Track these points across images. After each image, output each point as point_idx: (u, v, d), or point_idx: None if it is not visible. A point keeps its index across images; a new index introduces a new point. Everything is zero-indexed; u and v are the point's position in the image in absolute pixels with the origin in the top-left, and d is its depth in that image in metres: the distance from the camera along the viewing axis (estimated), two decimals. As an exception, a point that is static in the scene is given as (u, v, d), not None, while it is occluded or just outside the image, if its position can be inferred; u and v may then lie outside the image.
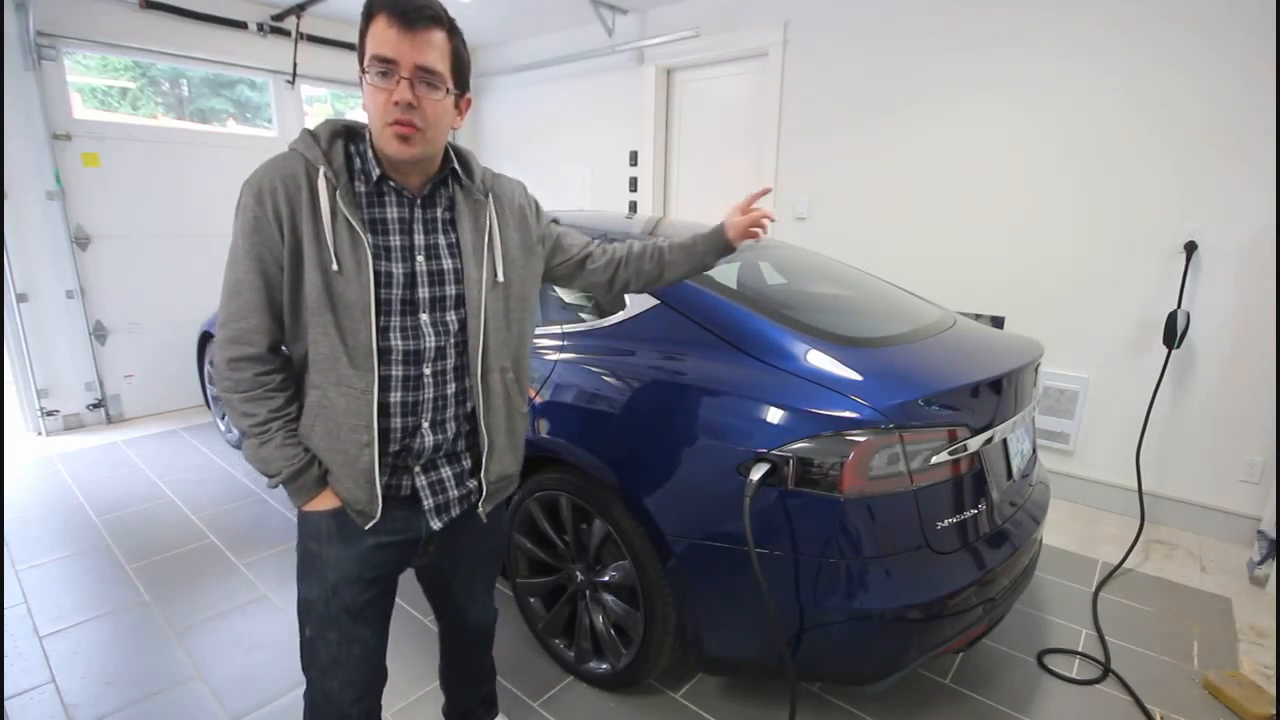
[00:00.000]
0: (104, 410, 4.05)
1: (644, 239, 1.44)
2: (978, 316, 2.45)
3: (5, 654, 1.97)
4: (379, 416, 1.09)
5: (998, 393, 1.66)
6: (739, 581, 1.49)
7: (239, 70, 4.34)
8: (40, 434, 3.83)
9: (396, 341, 1.09)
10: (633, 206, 4.60)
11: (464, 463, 1.22)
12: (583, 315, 1.94)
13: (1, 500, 2.93)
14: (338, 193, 1.04)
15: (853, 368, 1.54)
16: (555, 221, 1.39)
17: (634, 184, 4.56)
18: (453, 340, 1.14)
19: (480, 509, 1.25)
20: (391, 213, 1.10)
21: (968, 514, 1.56)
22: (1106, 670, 1.96)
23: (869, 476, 1.41)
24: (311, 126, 1.10)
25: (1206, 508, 2.81)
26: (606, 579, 1.78)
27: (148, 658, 1.97)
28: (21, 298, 3.64)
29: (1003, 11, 2.96)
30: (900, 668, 1.50)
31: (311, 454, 1.11)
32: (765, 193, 1.46)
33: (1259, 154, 2.50)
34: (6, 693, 1.81)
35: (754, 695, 1.85)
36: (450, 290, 1.13)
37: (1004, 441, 1.70)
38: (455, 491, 1.21)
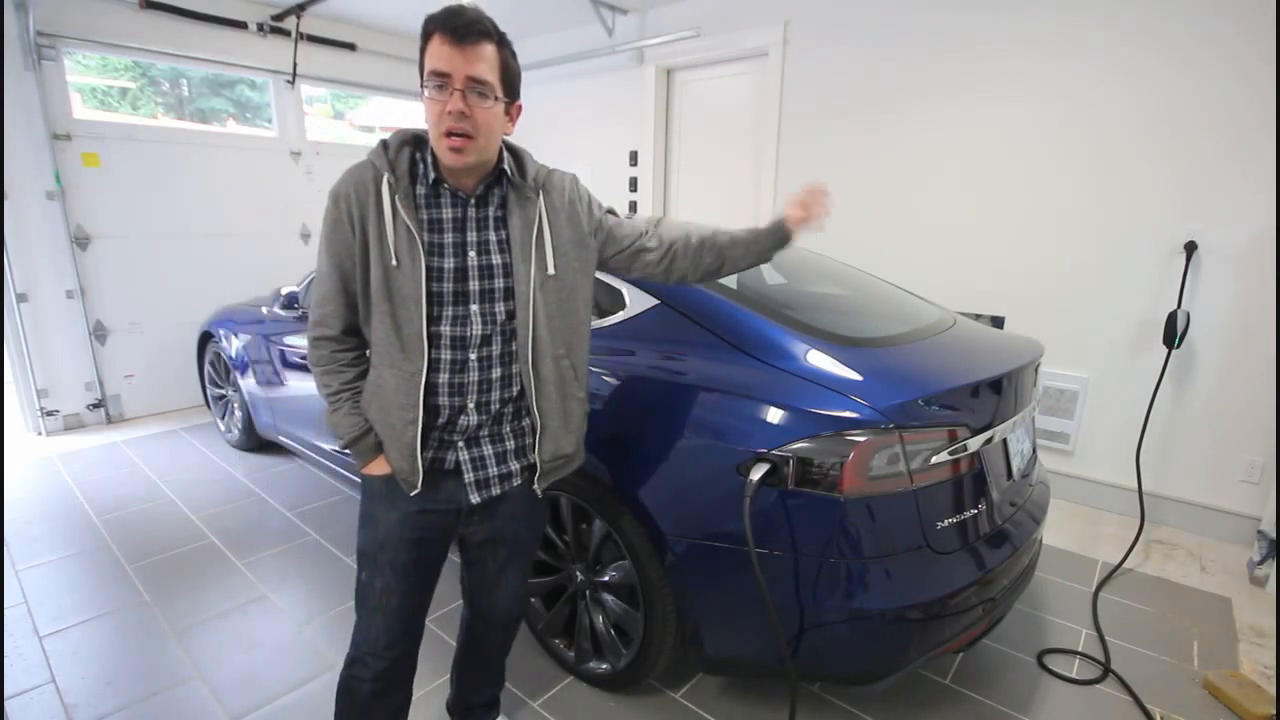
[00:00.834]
0: (104, 410, 4.05)
1: (701, 229, 1.44)
2: (978, 316, 2.45)
3: (5, 654, 1.97)
4: (427, 395, 1.20)
5: (998, 393, 1.66)
6: (739, 581, 1.49)
7: (239, 70, 4.34)
8: (40, 434, 3.83)
9: (446, 328, 1.20)
10: (633, 206, 4.60)
11: (507, 443, 1.31)
12: (583, 315, 1.94)
13: (1, 500, 2.93)
14: (397, 196, 1.16)
15: (853, 368, 1.54)
16: (611, 211, 1.43)
17: (634, 184, 4.56)
18: (499, 329, 1.23)
19: (536, 486, 1.34)
20: (446, 212, 1.20)
21: (968, 514, 1.56)
22: (1106, 670, 1.97)
23: (869, 476, 1.41)
24: (386, 137, 1.22)
25: (1206, 508, 2.81)
26: (606, 579, 1.78)
27: (148, 658, 1.97)
28: (21, 298, 3.65)
29: (1003, 12, 2.97)
30: (900, 668, 1.50)
31: (370, 424, 1.25)
32: (821, 190, 1.44)
33: (1259, 154, 2.50)
34: (6, 693, 1.81)
35: (754, 695, 1.85)
36: (499, 284, 1.22)
37: (1004, 441, 1.70)
38: (495, 470, 1.30)
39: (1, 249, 3.51)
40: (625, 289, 1.84)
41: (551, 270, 1.25)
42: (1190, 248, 2.66)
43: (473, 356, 1.22)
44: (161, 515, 2.87)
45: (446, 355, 1.21)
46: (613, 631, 1.80)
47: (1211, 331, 2.69)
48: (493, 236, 1.22)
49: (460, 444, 1.26)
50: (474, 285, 1.20)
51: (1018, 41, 2.95)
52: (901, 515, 1.45)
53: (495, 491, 1.31)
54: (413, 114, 5.02)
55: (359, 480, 1.34)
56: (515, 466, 1.32)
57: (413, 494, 1.25)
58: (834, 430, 1.41)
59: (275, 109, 4.56)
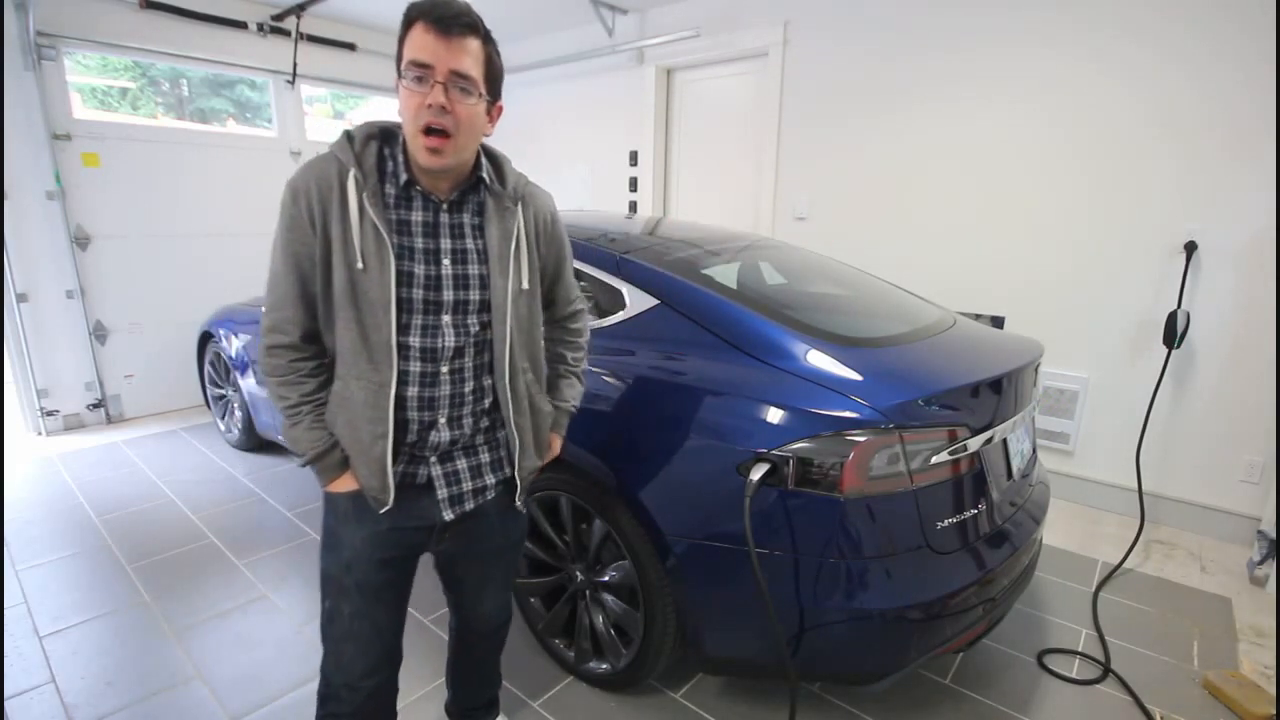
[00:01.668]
0: (104, 410, 4.05)
1: (568, 366, 1.42)
2: (978, 316, 2.45)
3: (5, 654, 1.97)
4: (396, 409, 1.14)
5: (998, 393, 1.66)
6: (739, 581, 1.49)
7: (239, 70, 4.34)
8: (40, 434, 3.83)
9: (415, 339, 1.13)
10: (633, 206, 4.60)
11: (481, 456, 1.26)
12: (583, 315, 1.94)
13: (1, 500, 2.93)
14: (365, 194, 1.08)
15: (853, 368, 1.54)
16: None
17: (634, 184, 4.56)
18: (472, 341, 1.18)
19: (518, 501, 1.32)
20: (417, 215, 1.13)
21: (968, 514, 1.56)
22: (1106, 670, 1.96)
23: (869, 476, 1.41)
24: (351, 128, 1.14)
25: (1206, 508, 2.81)
26: (606, 579, 1.78)
27: (148, 658, 1.97)
28: (21, 298, 3.64)
29: (1003, 11, 2.96)
30: (900, 668, 1.50)
31: (335, 439, 1.17)
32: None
33: (1259, 154, 2.50)
34: (6, 693, 1.81)
35: (754, 695, 1.85)
36: (475, 295, 1.17)
37: (1004, 441, 1.70)
38: (470, 484, 1.25)
39: (1, 249, 3.51)
40: (625, 289, 1.84)
41: (525, 285, 1.21)
42: (1190, 248, 2.66)
43: (444, 369, 1.16)
44: (161, 515, 2.87)
45: (416, 367, 1.14)
46: (613, 631, 1.80)
47: (1211, 331, 2.69)
48: (470, 245, 1.16)
49: (432, 459, 1.20)
50: (448, 295, 1.14)
51: (1019, 42, 2.95)
52: (901, 515, 1.45)
53: (469, 506, 1.25)
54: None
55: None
56: (490, 480, 1.27)
57: (383, 511, 1.18)
58: (834, 430, 1.41)
59: (275, 109, 4.56)
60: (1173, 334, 2.67)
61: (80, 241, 3.80)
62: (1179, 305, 2.69)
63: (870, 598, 1.43)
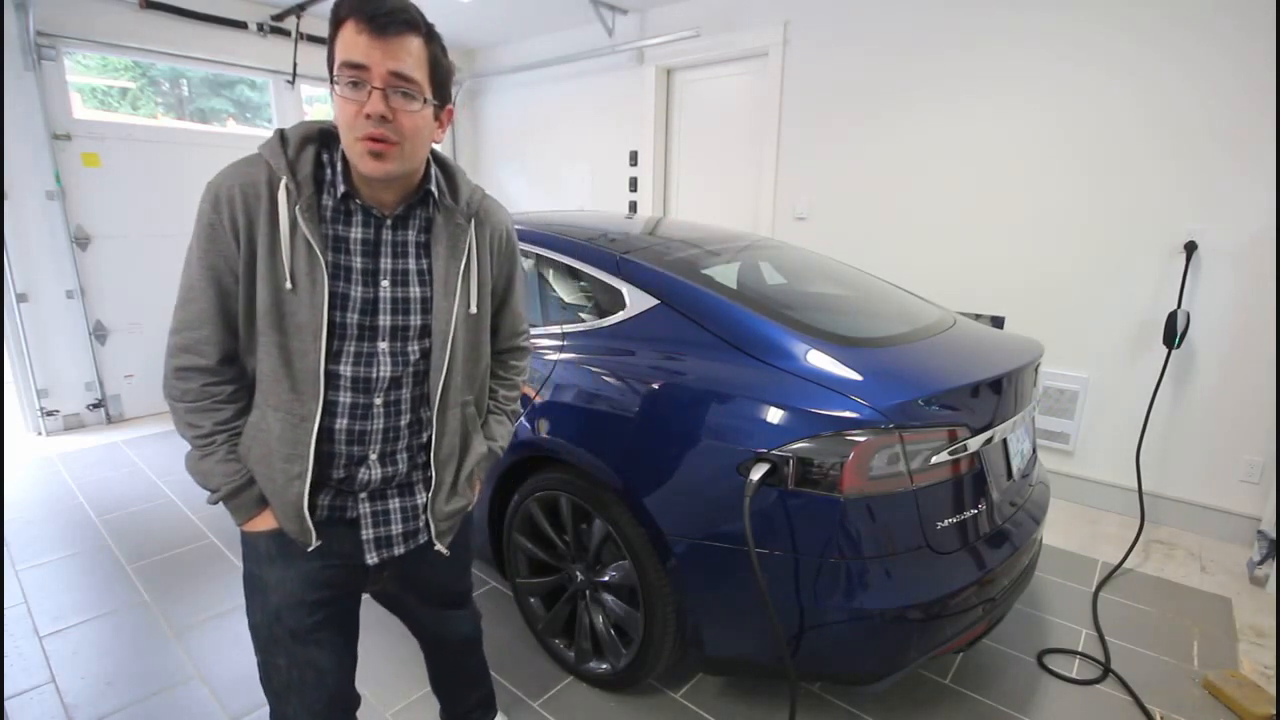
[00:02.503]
0: (104, 410, 4.05)
1: (502, 406, 1.32)
2: (978, 316, 2.45)
3: (5, 654, 1.97)
4: (322, 442, 1.03)
5: (998, 393, 1.66)
6: (739, 581, 1.49)
7: (239, 70, 4.34)
8: (40, 434, 3.83)
9: (347, 368, 1.03)
10: (633, 206, 4.60)
11: (418, 496, 1.14)
12: (582, 315, 1.94)
13: (1, 500, 2.93)
14: (298, 206, 0.96)
15: (853, 368, 1.54)
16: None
17: (634, 184, 4.56)
18: (411, 370, 1.07)
19: (438, 545, 1.17)
20: (356, 232, 1.02)
21: (968, 514, 1.56)
22: (1106, 670, 1.96)
23: (869, 476, 1.41)
24: (285, 128, 1.03)
25: (1206, 508, 2.81)
26: (606, 579, 1.78)
27: (148, 658, 1.97)
28: (21, 298, 3.64)
29: (1003, 12, 2.96)
30: (900, 668, 1.50)
31: (250, 473, 1.05)
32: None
33: (1259, 154, 2.50)
34: (6, 693, 1.81)
35: (754, 695, 1.85)
36: (415, 320, 1.06)
37: (1004, 441, 1.70)
38: (400, 527, 1.13)
39: (1, 249, 3.51)
40: (625, 289, 1.84)
41: (473, 309, 1.10)
42: (1190, 248, 2.66)
43: (378, 401, 1.05)
44: (161, 515, 2.87)
45: (346, 399, 1.03)
46: (613, 631, 1.80)
47: (1211, 331, 2.69)
48: (413, 265, 1.05)
49: (362, 495, 1.09)
50: (384, 320, 1.03)
51: (1019, 42, 2.95)
52: (901, 515, 1.45)
53: (398, 551, 1.13)
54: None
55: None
56: (424, 521, 1.15)
57: (310, 549, 1.06)
58: (834, 430, 1.41)
59: (275, 109, 4.56)
60: (1173, 334, 2.67)
61: (80, 241, 3.80)
62: (1179, 305, 2.69)
63: (870, 598, 1.43)
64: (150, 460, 3.49)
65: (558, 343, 1.91)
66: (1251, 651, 2.08)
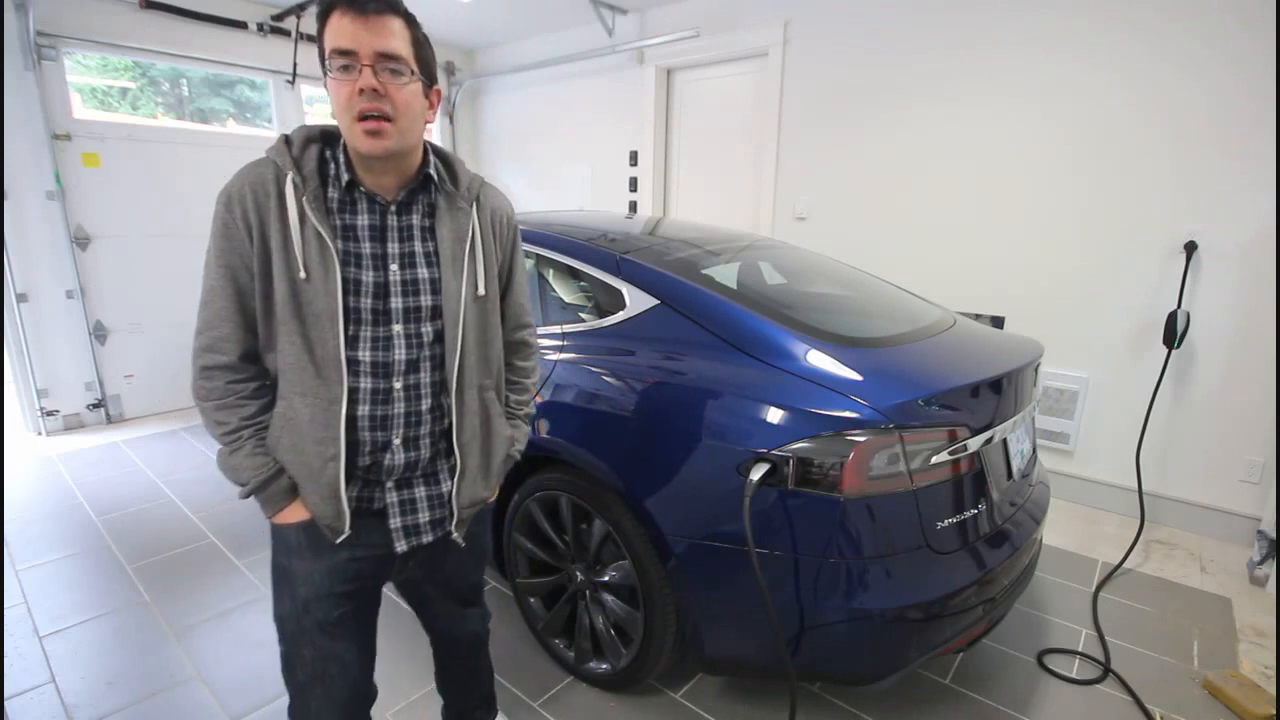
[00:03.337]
0: (104, 410, 4.05)
1: (515, 385, 1.34)
2: (978, 316, 2.45)
3: (5, 654, 1.97)
4: (347, 430, 1.06)
5: (998, 393, 1.66)
6: (739, 581, 1.49)
7: (239, 70, 4.34)
8: (40, 434, 3.83)
9: (365, 353, 1.06)
10: (633, 206, 4.60)
11: (443, 484, 1.17)
12: (583, 315, 1.94)
13: (1, 500, 2.93)
14: (305, 198, 1.01)
15: (853, 368, 1.54)
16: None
17: (634, 184, 4.56)
18: (427, 353, 1.10)
19: (454, 534, 1.20)
20: (362, 219, 1.06)
21: (968, 514, 1.56)
22: (1106, 670, 1.97)
23: (869, 476, 1.41)
24: (289, 131, 1.09)
25: (1206, 508, 2.81)
26: (606, 579, 1.78)
27: (148, 658, 1.97)
28: (21, 298, 3.64)
29: (1003, 12, 2.96)
30: (900, 668, 1.50)
31: (280, 464, 1.08)
32: None
33: (1259, 154, 2.50)
34: (6, 693, 1.81)
35: (754, 695, 1.85)
36: (426, 301, 1.09)
37: (1004, 441, 1.70)
38: (427, 515, 1.16)
39: (1, 249, 3.51)
40: (625, 289, 1.84)
41: (481, 290, 1.14)
42: (1190, 248, 2.66)
43: (397, 385, 1.08)
44: (161, 515, 2.87)
45: (367, 384, 1.06)
46: (613, 631, 1.80)
47: (1211, 331, 2.69)
48: (419, 248, 1.09)
49: (389, 484, 1.12)
50: (396, 303, 1.07)
51: (1019, 41, 2.95)
52: (901, 515, 1.45)
53: (425, 539, 1.16)
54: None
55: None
56: (449, 510, 1.18)
57: (339, 541, 1.09)
58: (834, 430, 1.41)
59: (275, 109, 4.56)
60: (1173, 334, 2.67)
61: (80, 241, 3.80)
62: (1179, 305, 2.69)
63: (870, 598, 1.43)
64: (150, 460, 3.49)
65: (558, 343, 1.91)
66: (1251, 651, 2.08)
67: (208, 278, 1.04)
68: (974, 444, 1.54)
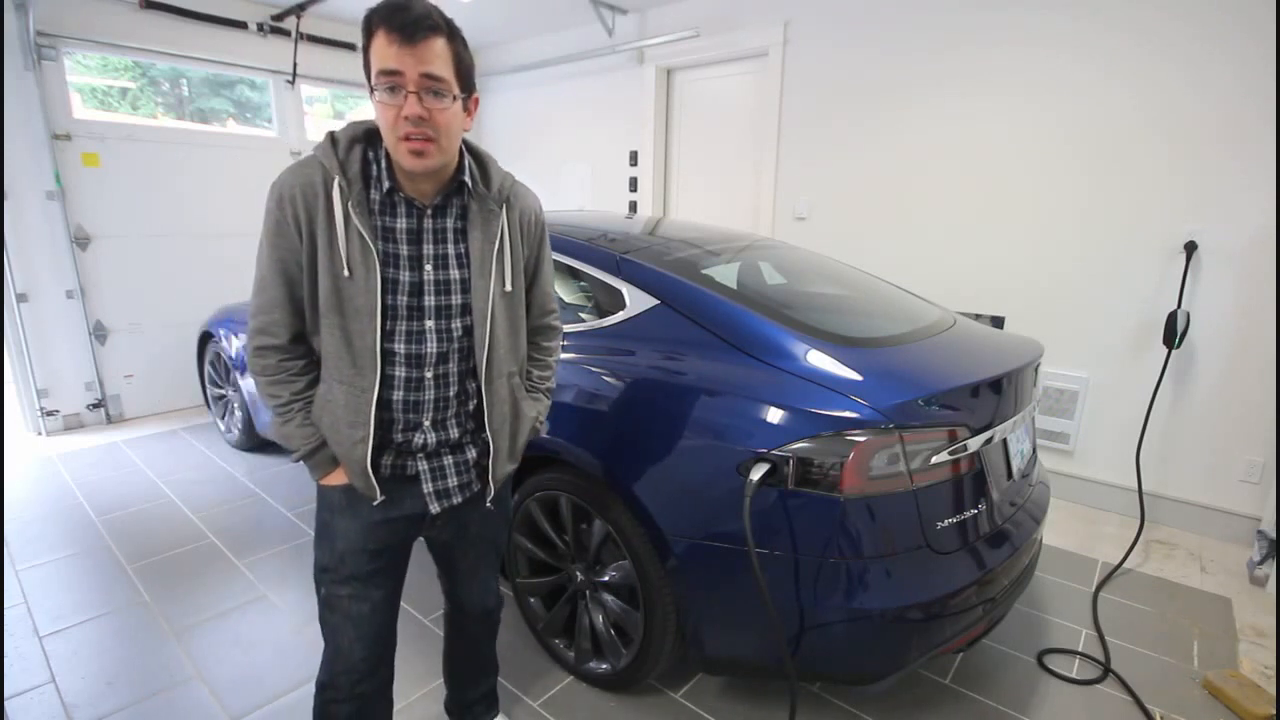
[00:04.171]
0: (104, 410, 4.05)
1: (538, 376, 1.40)
2: (978, 316, 2.45)
3: (5, 654, 1.97)
4: (382, 409, 1.16)
5: (998, 393, 1.66)
6: (739, 581, 1.49)
7: (239, 70, 4.34)
8: (40, 434, 3.83)
9: (400, 346, 1.14)
10: (633, 206, 4.60)
11: (469, 454, 1.27)
12: (582, 315, 1.94)
13: (1, 500, 2.93)
14: (350, 201, 1.08)
15: (853, 368, 1.54)
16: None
17: (634, 184, 4.56)
18: (456, 346, 1.19)
19: (488, 503, 1.32)
20: (401, 223, 1.13)
21: (968, 514, 1.56)
22: (1106, 670, 1.97)
23: (869, 476, 1.41)
24: (335, 130, 1.14)
25: (1206, 508, 2.81)
26: (606, 579, 1.78)
27: (148, 658, 1.97)
28: (21, 298, 3.64)
29: (1003, 11, 2.96)
30: (900, 668, 1.50)
31: (324, 436, 1.18)
32: None
33: (1259, 154, 2.50)
34: (6, 693, 1.81)
35: (754, 695, 1.85)
36: (456, 299, 1.17)
37: (1004, 441, 1.70)
38: (455, 480, 1.26)
39: (1, 249, 3.51)
40: (625, 289, 1.84)
41: (509, 287, 1.22)
42: (1190, 248, 2.66)
43: (429, 375, 1.17)
44: (161, 515, 2.87)
45: (401, 373, 1.16)
46: (613, 631, 1.80)
47: (1211, 331, 2.69)
48: (451, 250, 1.16)
49: (420, 456, 1.22)
50: (430, 301, 1.15)
51: (1019, 41, 2.95)
52: (901, 515, 1.45)
53: (456, 500, 1.27)
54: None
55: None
56: (475, 474, 1.29)
57: (375, 504, 1.21)
58: (834, 430, 1.41)
59: (275, 109, 4.56)
60: (1173, 334, 2.67)
61: (80, 241, 3.80)
62: (1179, 305, 2.69)
63: (870, 598, 1.43)
64: (150, 460, 3.49)
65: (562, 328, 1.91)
66: (1251, 651, 2.08)
67: (260, 267, 1.13)
68: (974, 444, 1.54)
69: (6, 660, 1.95)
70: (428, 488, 1.23)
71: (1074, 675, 1.95)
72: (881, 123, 3.40)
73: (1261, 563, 2.47)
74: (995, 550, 1.61)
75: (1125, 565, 2.54)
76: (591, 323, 1.89)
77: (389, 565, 1.29)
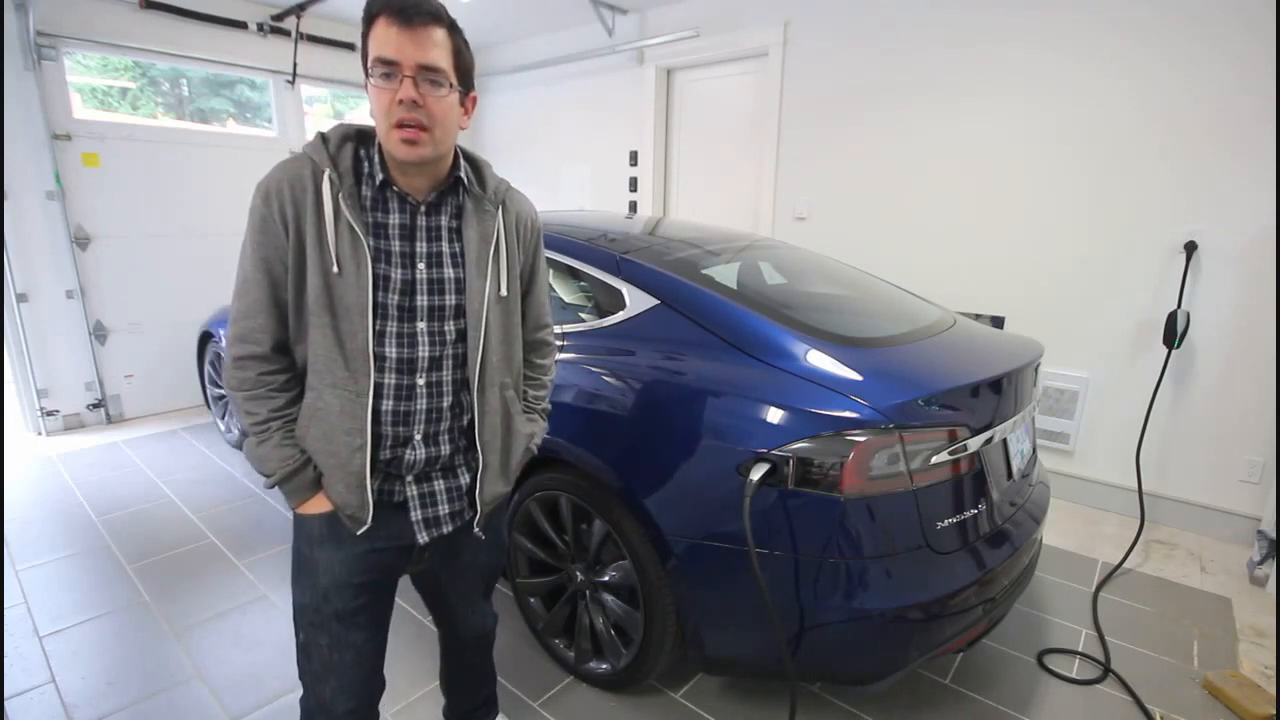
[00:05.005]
0: (104, 410, 4.05)
1: (533, 383, 1.36)
2: (978, 316, 2.45)
3: (5, 654, 1.97)
4: (371, 422, 1.09)
5: (998, 393, 1.66)
6: (739, 581, 1.49)
7: (239, 70, 4.34)
8: (40, 434, 3.83)
9: (391, 349, 1.09)
10: (633, 206, 4.60)
11: (461, 478, 1.20)
12: (583, 315, 1.94)
13: (1, 500, 2.93)
14: (341, 195, 1.04)
15: (853, 368, 1.54)
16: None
17: (634, 184, 4.56)
18: (450, 351, 1.13)
19: (475, 529, 1.24)
20: (394, 218, 1.09)
21: (968, 514, 1.56)
22: (1106, 670, 1.97)
23: (869, 476, 1.41)
24: (325, 129, 1.11)
25: (1206, 508, 2.81)
26: (606, 579, 1.78)
27: (148, 658, 1.97)
28: (21, 298, 3.64)
29: (1003, 12, 2.96)
30: (900, 668, 1.50)
31: (307, 456, 1.10)
32: None
33: (1259, 154, 2.50)
34: (6, 693, 1.81)
35: (754, 695, 1.85)
36: (450, 300, 1.12)
37: (1004, 441, 1.70)
38: (446, 507, 1.19)
39: (1, 249, 3.51)
40: (625, 289, 1.84)
41: (504, 291, 1.16)
42: (1190, 248, 2.66)
43: (420, 382, 1.11)
44: (161, 515, 2.87)
45: (391, 380, 1.09)
46: (613, 632, 1.80)
47: (1211, 331, 2.69)
48: (446, 248, 1.12)
49: (408, 478, 1.14)
50: (421, 300, 1.10)
51: (1019, 41, 2.95)
52: (901, 515, 1.45)
53: (446, 530, 1.19)
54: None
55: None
56: (468, 501, 1.21)
57: (360, 532, 1.11)
58: (834, 430, 1.41)
59: (275, 109, 4.56)
60: (1173, 334, 2.67)
61: (80, 241, 3.80)
62: (1179, 305, 2.69)
63: (870, 598, 1.43)
64: (150, 460, 3.49)
65: (558, 343, 1.91)
66: (1251, 651, 2.08)
67: (242, 268, 1.07)
68: (974, 444, 1.54)
69: (6, 660, 1.95)
70: (416, 515, 1.15)
71: (1074, 675, 1.95)
72: (882, 122, 3.40)
73: (1261, 563, 2.47)
74: (995, 550, 1.61)
75: (1125, 565, 2.54)
76: (591, 323, 1.89)
77: (374, 602, 1.21)
